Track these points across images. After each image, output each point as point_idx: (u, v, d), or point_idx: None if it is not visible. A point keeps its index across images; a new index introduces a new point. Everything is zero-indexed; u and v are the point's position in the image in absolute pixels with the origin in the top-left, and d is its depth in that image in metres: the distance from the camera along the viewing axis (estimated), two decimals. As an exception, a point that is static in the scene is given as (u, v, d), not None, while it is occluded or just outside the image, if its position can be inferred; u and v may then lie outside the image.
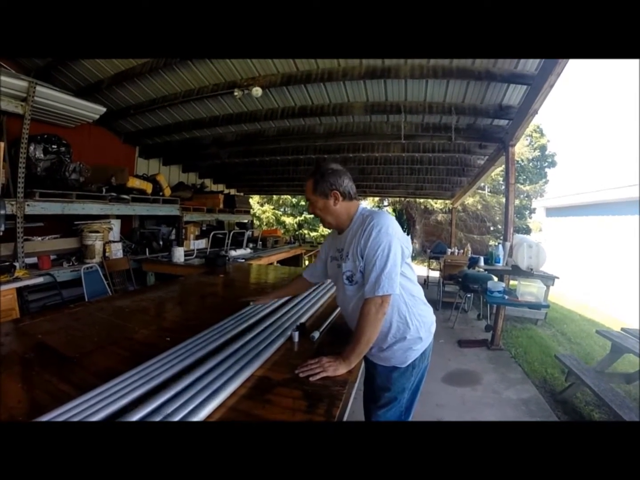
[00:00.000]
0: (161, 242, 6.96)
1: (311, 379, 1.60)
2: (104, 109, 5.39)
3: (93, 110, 5.26)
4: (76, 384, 1.49)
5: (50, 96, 4.56)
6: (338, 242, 1.97)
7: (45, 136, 4.67)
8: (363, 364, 2.03)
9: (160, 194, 6.94)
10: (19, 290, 3.88)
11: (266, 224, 19.57)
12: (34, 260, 4.52)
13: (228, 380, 1.47)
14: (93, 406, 1.25)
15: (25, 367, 1.66)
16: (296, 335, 2.06)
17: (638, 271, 7.96)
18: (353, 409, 1.70)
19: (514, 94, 4.66)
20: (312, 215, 20.32)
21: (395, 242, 1.71)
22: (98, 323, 2.40)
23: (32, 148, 4.42)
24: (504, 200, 8.53)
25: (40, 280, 4.07)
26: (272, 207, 20.92)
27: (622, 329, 4.14)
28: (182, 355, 1.72)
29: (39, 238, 4.87)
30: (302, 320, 2.38)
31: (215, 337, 1.99)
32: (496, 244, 6.49)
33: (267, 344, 1.91)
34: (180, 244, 6.76)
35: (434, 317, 2.02)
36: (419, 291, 1.97)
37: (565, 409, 3.70)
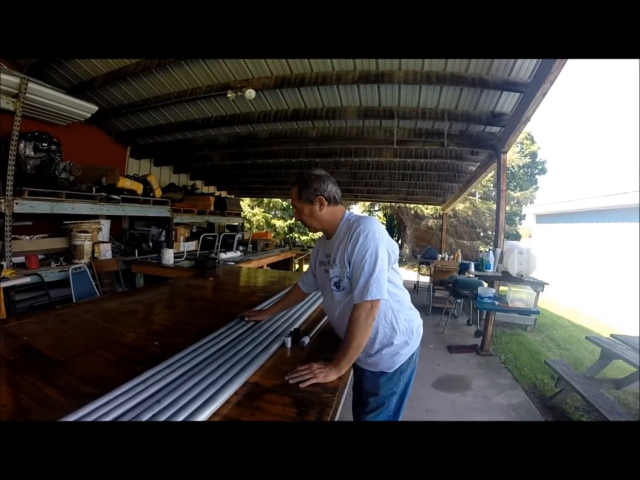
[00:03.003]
0: (151, 244, 6.90)
1: (301, 385, 1.57)
2: (96, 108, 5.36)
3: (85, 108, 5.23)
4: (62, 388, 1.47)
5: (42, 93, 4.53)
6: (326, 248, 1.99)
7: (36, 134, 4.62)
8: (352, 372, 2.02)
9: (151, 194, 6.89)
10: (6, 290, 3.83)
11: (257, 227, 19.56)
12: (21, 259, 4.46)
13: (221, 389, 1.44)
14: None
15: (10, 370, 1.62)
16: (289, 341, 2.05)
17: (638, 278, 8.01)
18: (342, 415, 1.69)
19: (507, 102, 4.70)
20: (303, 219, 20.53)
21: (382, 246, 1.73)
22: (85, 325, 2.36)
23: (22, 145, 4.36)
24: (494, 206, 8.58)
25: (27, 280, 4.01)
26: (262, 210, 20.91)
27: (612, 335, 4.16)
28: (179, 367, 1.66)
29: (27, 237, 4.80)
30: (296, 325, 2.37)
31: (210, 346, 1.94)
32: (486, 250, 6.52)
33: (261, 351, 1.88)
34: (170, 246, 6.72)
35: (420, 320, 2.04)
36: (405, 296, 1.99)
37: (555, 415, 3.72)
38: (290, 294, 2.51)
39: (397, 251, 1.91)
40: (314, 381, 1.60)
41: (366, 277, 1.68)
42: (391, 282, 1.85)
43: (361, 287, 1.68)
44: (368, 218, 1.84)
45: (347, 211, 1.98)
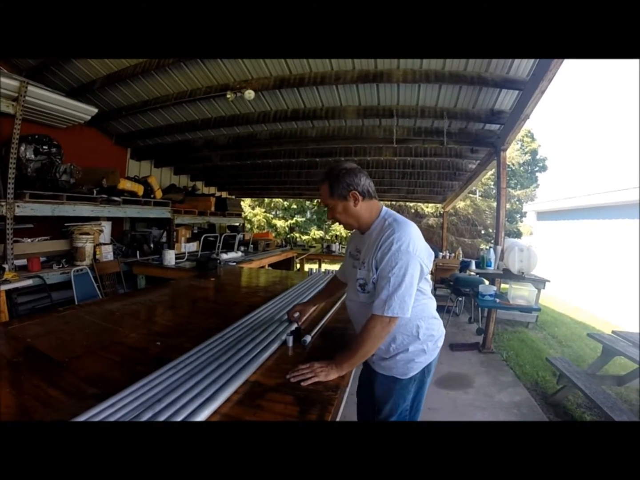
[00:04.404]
0: (152, 245, 6.91)
1: (303, 384, 1.58)
2: (96, 110, 5.36)
3: (84, 110, 5.23)
4: (65, 389, 1.48)
5: (41, 96, 4.54)
6: (359, 241, 1.93)
7: (36, 137, 4.63)
8: (354, 370, 2.02)
9: (152, 196, 6.88)
10: (8, 292, 3.84)
11: (257, 227, 19.53)
12: (23, 262, 4.47)
13: (222, 387, 1.45)
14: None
15: (13, 372, 1.63)
16: (290, 340, 2.05)
17: (638, 276, 8.01)
18: (344, 414, 1.69)
19: (506, 99, 4.70)
20: (303, 219, 20.26)
21: (414, 262, 1.64)
22: (88, 327, 2.37)
23: (22, 148, 4.37)
24: (495, 204, 8.57)
25: (29, 282, 4.02)
26: (263, 210, 20.86)
27: (613, 332, 4.17)
28: (181, 368, 1.65)
29: (29, 240, 4.82)
30: (297, 324, 2.37)
31: (213, 347, 1.94)
32: (487, 247, 6.52)
33: (262, 349, 1.89)
34: (171, 247, 6.71)
35: (442, 331, 1.96)
36: (431, 303, 1.93)
37: (557, 412, 3.72)
38: (329, 285, 2.48)
39: (432, 261, 1.83)
40: (315, 380, 1.60)
41: (390, 291, 1.60)
42: (421, 291, 1.81)
43: (383, 300, 1.61)
44: (405, 225, 1.74)
45: (383, 207, 1.89)
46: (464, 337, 6.19)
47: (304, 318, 2.48)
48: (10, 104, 4.21)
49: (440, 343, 1.94)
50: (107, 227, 5.93)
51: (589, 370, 4.04)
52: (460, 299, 7.07)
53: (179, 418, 1.23)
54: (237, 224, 10.00)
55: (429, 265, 1.76)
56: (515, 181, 21.11)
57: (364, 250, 1.81)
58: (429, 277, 1.90)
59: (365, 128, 6.07)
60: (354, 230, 2.02)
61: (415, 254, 1.64)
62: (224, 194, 11.85)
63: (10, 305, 3.90)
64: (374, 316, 1.64)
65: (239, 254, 7.29)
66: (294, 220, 20.93)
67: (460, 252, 9.68)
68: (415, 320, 1.79)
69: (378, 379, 1.91)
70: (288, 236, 19.08)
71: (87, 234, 5.21)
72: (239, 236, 7.88)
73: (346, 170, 1.80)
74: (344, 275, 2.24)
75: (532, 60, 3.72)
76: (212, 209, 8.64)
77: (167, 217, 7.03)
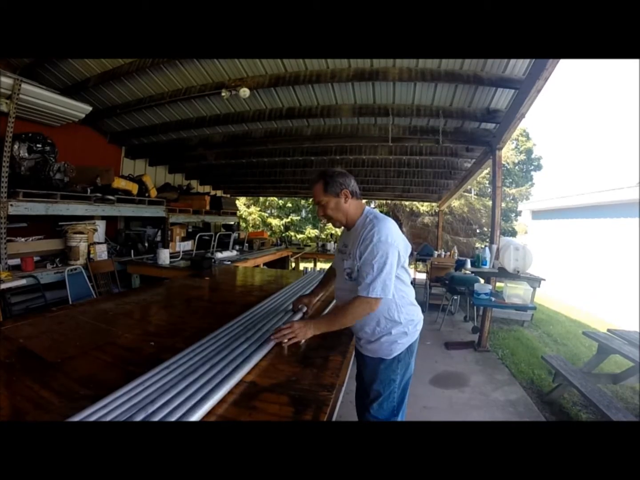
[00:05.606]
0: (146, 244, 6.89)
1: (283, 344, 1.93)
2: (90, 108, 5.35)
3: (79, 109, 5.21)
4: (58, 390, 1.46)
5: (35, 94, 4.52)
6: (346, 238, 2.18)
7: (30, 135, 4.60)
8: (351, 369, 2.04)
9: (146, 195, 6.87)
10: (2, 292, 3.82)
11: (252, 226, 19.50)
12: (17, 261, 4.44)
13: (216, 387, 1.43)
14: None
15: (5, 373, 1.61)
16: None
17: (638, 272, 8.03)
18: (340, 414, 1.68)
19: (502, 98, 4.70)
20: (298, 218, 20.22)
21: (393, 251, 1.87)
22: (81, 327, 2.35)
23: (16, 147, 4.34)
24: (490, 203, 8.58)
25: (23, 282, 4.00)
26: (258, 209, 20.83)
27: (609, 330, 4.18)
28: (175, 368, 1.64)
29: (22, 239, 4.79)
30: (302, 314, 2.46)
31: (207, 347, 1.92)
32: (483, 246, 6.53)
33: (256, 349, 1.87)
34: (165, 246, 6.70)
35: (421, 316, 2.21)
36: (410, 292, 2.15)
37: (553, 410, 3.73)
38: (327, 274, 2.68)
39: (409, 251, 2.08)
40: (294, 340, 1.94)
41: (374, 276, 1.84)
42: (399, 278, 2.03)
43: (368, 283, 1.84)
44: (384, 220, 1.98)
45: (366, 207, 2.15)
46: (460, 335, 6.20)
47: (310, 311, 2.62)
48: (4, 101, 4.18)
49: (420, 327, 2.19)
50: (101, 226, 5.90)
51: (585, 369, 4.05)
52: (455, 297, 7.06)
53: (172, 419, 1.22)
54: (232, 222, 9.99)
55: (405, 255, 2.02)
56: (510, 180, 21.16)
57: (351, 244, 2.05)
58: (408, 268, 2.14)
59: (360, 126, 6.06)
60: (342, 229, 2.30)
61: (393, 244, 1.89)
62: (219, 193, 11.83)
63: (3, 305, 3.88)
64: (359, 297, 1.89)
65: (234, 252, 7.29)
66: (289, 219, 20.93)
67: (456, 251, 9.71)
68: (397, 306, 2.04)
69: (366, 361, 2.18)
70: (283, 235, 19.04)
71: (81, 233, 5.18)
72: (234, 235, 7.88)
73: (339, 172, 2.07)
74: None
75: (528, 59, 3.72)
76: (207, 207, 8.64)
77: (161, 216, 7.02)
